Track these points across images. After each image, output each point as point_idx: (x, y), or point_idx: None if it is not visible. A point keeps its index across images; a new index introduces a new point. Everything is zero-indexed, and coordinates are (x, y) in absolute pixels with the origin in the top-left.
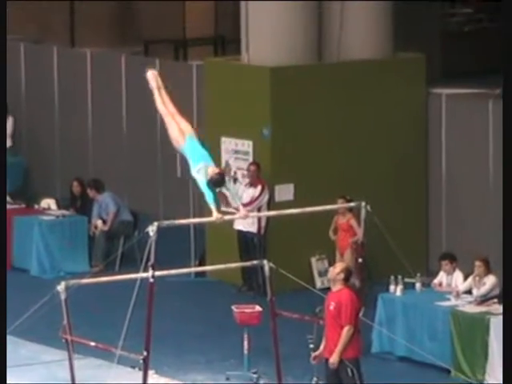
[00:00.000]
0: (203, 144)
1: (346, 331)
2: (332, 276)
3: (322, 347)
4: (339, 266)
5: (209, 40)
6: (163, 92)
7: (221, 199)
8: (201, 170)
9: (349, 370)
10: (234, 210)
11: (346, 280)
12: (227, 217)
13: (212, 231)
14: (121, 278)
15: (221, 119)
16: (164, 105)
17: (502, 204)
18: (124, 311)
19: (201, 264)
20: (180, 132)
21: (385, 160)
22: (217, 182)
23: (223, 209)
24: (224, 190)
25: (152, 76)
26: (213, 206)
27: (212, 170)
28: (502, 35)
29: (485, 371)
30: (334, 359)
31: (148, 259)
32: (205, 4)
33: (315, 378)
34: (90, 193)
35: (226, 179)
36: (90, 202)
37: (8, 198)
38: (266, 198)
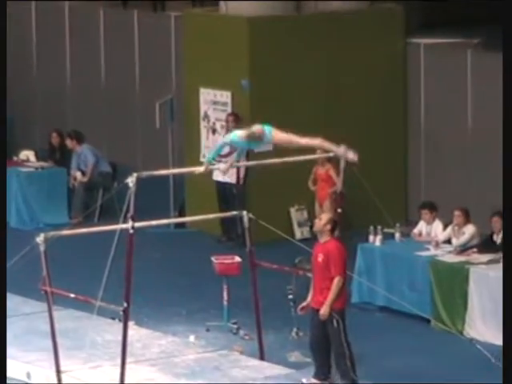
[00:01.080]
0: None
1: (336, 282)
2: (318, 227)
3: (309, 298)
4: (325, 218)
5: None
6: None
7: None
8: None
9: (334, 321)
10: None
11: (332, 231)
12: (211, 167)
13: (191, 182)
14: (100, 230)
15: (199, 70)
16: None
17: (502, 190)
18: (103, 263)
19: (180, 215)
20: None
21: (364, 111)
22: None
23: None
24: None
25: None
26: (205, 162)
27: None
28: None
29: (464, 321)
30: (324, 310)
31: (127, 210)
32: None
33: (295, 329)
34: (70, 144)
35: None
36: (68, 153)
37: None
38: None
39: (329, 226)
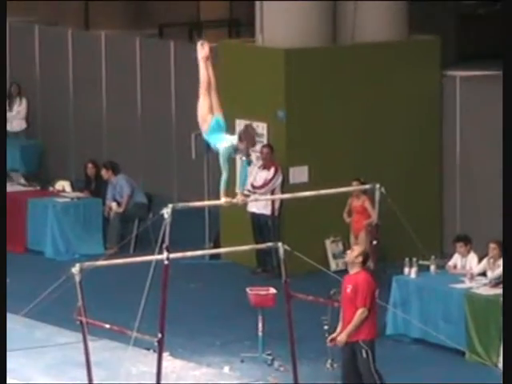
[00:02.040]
0: (227, 129)
1: (359, 313)
2: (350, 259)
3: (338, 330)
4: (357, 250)
5: (223, 22)
6: (209, 63)
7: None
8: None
9: (363, 352)
10: (249, 193)
11: (364, 263)
12: (234, 200)
13: (226, 214)
14: (135, 261)
15: (235, 101)
16: (205, 76)
17: (502, 199)
18: (139, 294)
19: (215, 246)
20: (209, 110)
21: (399, 142)
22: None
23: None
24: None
25: (201, 46)
26: (222, 189)
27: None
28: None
29: (499, 353)
30: (341, 337)
31: (163, 241)
32: None
33: (330, 361)
34: (105, 174)
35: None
36: (104, 184)
37: (23, 180)
38: (279, 180)
39: (360, 258)
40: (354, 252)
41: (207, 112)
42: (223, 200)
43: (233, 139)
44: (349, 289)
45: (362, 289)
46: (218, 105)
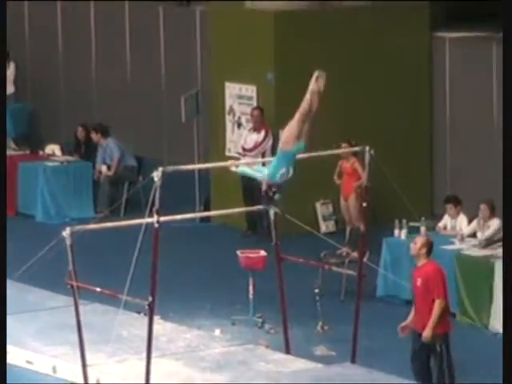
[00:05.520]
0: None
1: (437, 305)
2: (414, 251)
3: (409, 319)
4: (420, 241)
5: None
6: (317, 97)
7: None
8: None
9: (437, 346)
10: (239, 155)
11: (429, 253)
12: (239, 162)
13: (216, 176)
14: (126, 224)
15: (225, 64)
16: (308, 106)
17: (502, 188)
18: (129, 257)
19: (205, 209)
20: (297, 136)
21: (389, 104)
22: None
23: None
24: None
25: (315, 79)
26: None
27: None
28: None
29: (490, 314)
30: (427, 333)
31: (153, 204)
32: None
33: (320, 323)
34: (95, 137)
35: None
36: (94, 147)
37: (12, 144)
38: (269, 142)
39: (424, 250)
40: (417, 244)
41: (295, 137)
42: (230, 162)
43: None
44: (419, 282)
45: (434, 280)
46: (304, 133)
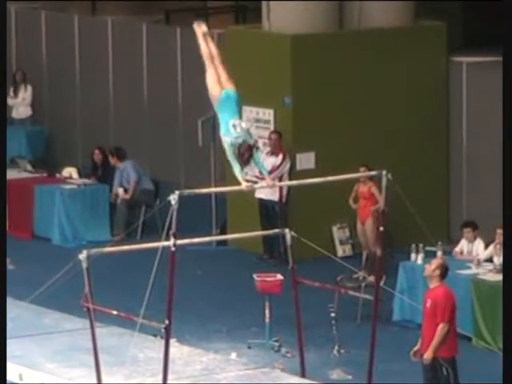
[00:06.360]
0: (239, 101)
1: (440, 329)
2: (428, 273)
3: (418, 345)
4: (435, 263)
5: (230, 8)
6: (209, 39)
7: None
8: (232, 128)
9: (444, 370)
10: (256, 179)
11: (442, 276)
12: (256, 185)
13: (233, 200)
14: (142, 247)
15: (242, 88)
16: (207, 51)
17: (502, 194)
18: (146, 280)
19: (222, 232)
20: (216, 83)
21: (406, 128)
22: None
23: (248, 177)
24: (252, 163)
25: (197, 25)
26: (240, 176)
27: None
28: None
29: None
30: (427, 355)
31: (169, 228)
32: None
33: (336, 347)
34: (112, 160)
35: (253, 152)
36: (111, 170)
37: (29, 167)
38: (287, 166)
39: (438, 272)
40: (432, 265)
41: (214, 85)
42: (244, 185)
43: (238, 126)
44: (428, 303)
45: (441, 304)
46: (227, 78)
